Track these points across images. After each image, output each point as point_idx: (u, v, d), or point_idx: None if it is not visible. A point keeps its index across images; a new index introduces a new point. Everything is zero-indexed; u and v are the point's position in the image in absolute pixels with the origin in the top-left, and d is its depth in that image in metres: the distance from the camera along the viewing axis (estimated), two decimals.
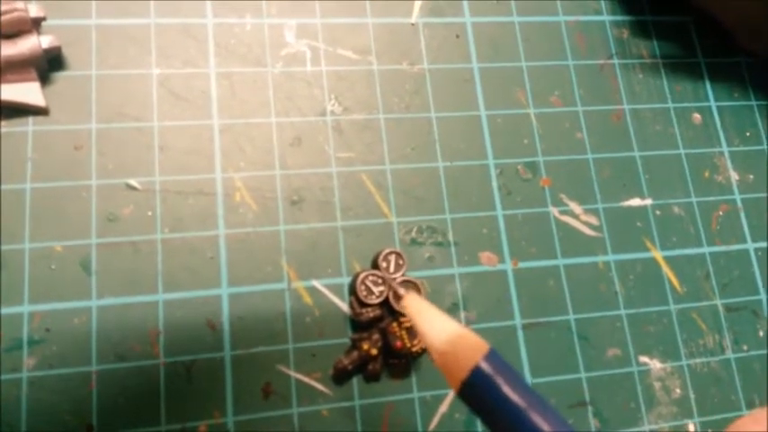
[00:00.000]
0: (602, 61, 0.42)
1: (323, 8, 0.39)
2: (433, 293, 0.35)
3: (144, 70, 0.36)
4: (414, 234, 0.36)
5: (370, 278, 0.33)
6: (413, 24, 0.40)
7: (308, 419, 0.32)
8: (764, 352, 0.38)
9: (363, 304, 0.33)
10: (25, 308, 0.31)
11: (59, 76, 0.35)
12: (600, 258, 0.38)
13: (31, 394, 0.30)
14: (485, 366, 0.23)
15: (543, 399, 0.23)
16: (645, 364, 0.36)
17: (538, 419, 0.22)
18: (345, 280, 0.34)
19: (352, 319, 0.34)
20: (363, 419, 0.33)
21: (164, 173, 0.34)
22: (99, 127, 0.34)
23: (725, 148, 0.42)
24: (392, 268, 0.34)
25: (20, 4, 0.32)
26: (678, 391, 0.36)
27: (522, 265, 0.37)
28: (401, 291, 0.30)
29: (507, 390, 0.23)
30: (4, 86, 0.33)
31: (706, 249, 0.39)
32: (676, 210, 0.40)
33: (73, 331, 0.31)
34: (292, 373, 0.33)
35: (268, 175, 0.35)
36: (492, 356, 0.23)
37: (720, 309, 0.38)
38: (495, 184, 0.38)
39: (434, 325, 0.25)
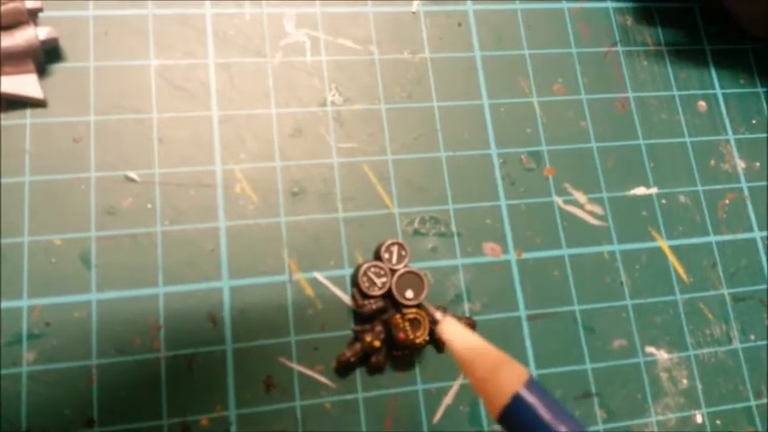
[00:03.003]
0: (605, 49, 0.41)
1: None
2: (436, 285, 0.35)
3: (142, 61, 0.35)
4: (416, 225, 0.36)
5: (373, 270, 0.33)
6: (414, 13, 0.39)
7: (311, 412, 0.32)
8: None
9: (366, 296, 0.33)
10: (25, 302, 0.31)
11: (57, 68, 0.34)
12: (605, 248, 0.37)
13: (31, 389, 0.30)
14: (525, 393, 0.23)
15: (581, 423, 0.23)
16: (651, 354, 0.36)
17: None
18: (347, 271, 0.34)
19: (354, 311, 0.33)
20: (367, 412, 0.32)
21: (163, 165, 0.34)
22: (98, 119, 0.34)
23: (731, 136, 0.41)
24: (394, 259, 0.33)
25: None
26: (685, 381, 0.36)
27: (526, 255, 0.36)
28: (438, 315, 0.28)
29: (547, 416, 0.23)
30: (2, 79, 0.33)
31: (712, 238, 0.39)
32: (682, 198, 0.39)
33: (73, 325, 0.31)
34: (294, 366, 0.32)
35: (268, 166, 0.35)
36: (532, 383, 0.24)
37: (727, 298, 0.38)
38: (498, 173, 0.37)
39: (473, 350, 0.25)
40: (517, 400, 0.23)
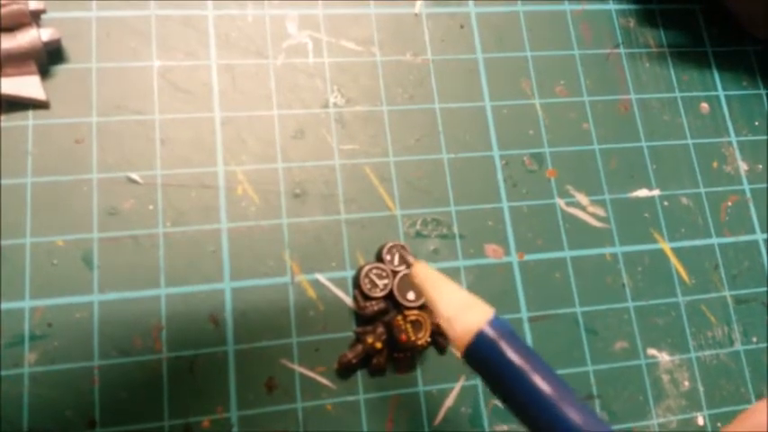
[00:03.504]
0: (608, 51, 0.41)
1: None
2: None
3: (145, 63, 0.35)
4: (418, 227, 0.36)
5: (375, 271, 0.33)
6: (416, 15, 0.39)
7: (313, 414, 0.32)
8: None
9: (368, 297, 0.33)
10: (26, 303, 0.31)
11: (60, 69, 0.34)
12: (607, 250, 0.37)
13: (32, 390, 0.30)
14: (488, 331, 0.24)
15: (545, 362, 0.24)
16: (653, 356, 0.36)
17: (539, 381, 0.23)
18: (349, 273, 0.34)
19: (356, 313, 0.33)
20: (368, 414, 0.32)
21: (165, 166, 0.34)
22: (99, 120, 0.34)
23: (733, 138, 0.41)
24: (396, 261, 0.33)
25: None
26: (687, 383, 0.36)
27: (528, 257, 0.36)
28: (410, 258, 0.30)
29: (510, 353, 0.23)
30: (4, 80, 0.33)
31: (715, 240, 0.39)
32: (684, 201, 0.39)
33: (75, 326, 0.31)
34: (296, 368, 0.32)
35: (270, 167, 0.35)
36: (496, 321, 0.24)
37: (729, 300, 0.38)
38: (500, 175, 0.37)
39: (442, 291, 0.26)
40: (481, 338, 0.24)
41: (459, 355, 0.25)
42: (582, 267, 0.37)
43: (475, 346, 0.24)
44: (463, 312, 0.25)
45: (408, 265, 0.31)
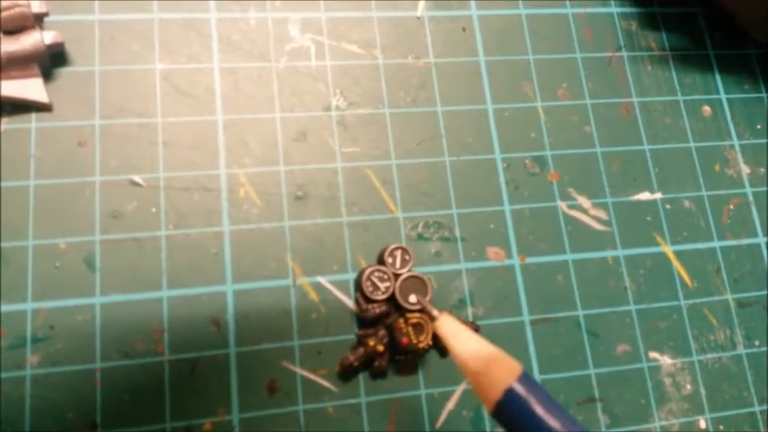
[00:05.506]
0: (610, 54, 0.41)
1: (327, 2, 0.38)
2: (439, 289, 0.35)
3: (147, 66, 0.35)
4: (420, 229, 0.36)
5: (376, 274, 0.33)
6: (418, 18, 0.39)
7: (314, 416, 0.32)
8: None
9: (369, 300, 0.33)
10: (29, 305, 0.31)
11: (62, 72, 0.34)
12: (609, 253, 0.37)
13: (34, 392, 0.30)
14: (518, 387, 0.24)
15: (576, 421, 0.24)
16: (655, 359, 0.36)
17: None
18: (351, 276, 0.34)
19: (357, 316, 0.33)
20: (369, 416, 0.32)
21: (167, 169, 0.34)
22: (102, 123, 0.34)
23: (735, 141, 0.41)
24: (398, 264, 0.33)
25: (22, 0, 0.32)
26: (689, 387, 0.36)
27: (529, 260, 0.36)
28: (435, 312, 0.29)
29: (540, 410, 0.24)
30: (7, 83, 0.33)
31: (717, 244, 0.39)
32: (687, 204, 0.39)
33: (77, 329, 0.31)
34: (298, 370, 0.32)
35: (272, 170, 0.35)
36: (525, 378, 0.24)
37: (731, 304, 0.38)
38: (502, 178, 0.37)
39: (468, 346, 0.26)
40: (510, 394, 0.24)
41: (488, 410, 0.25)
42: (584, 270, 0.37)
43: (504, 402, 0.24)
44: (491, 368, 0.25)
45: (432, 318, 0.31)
